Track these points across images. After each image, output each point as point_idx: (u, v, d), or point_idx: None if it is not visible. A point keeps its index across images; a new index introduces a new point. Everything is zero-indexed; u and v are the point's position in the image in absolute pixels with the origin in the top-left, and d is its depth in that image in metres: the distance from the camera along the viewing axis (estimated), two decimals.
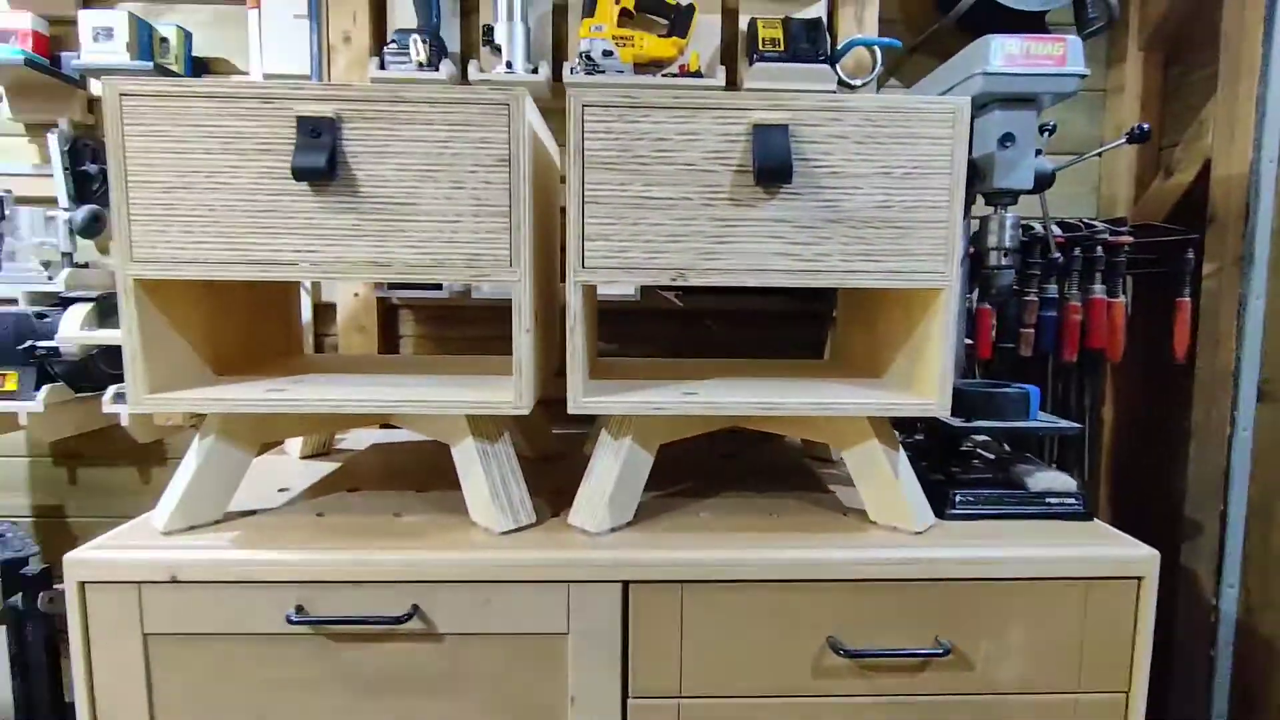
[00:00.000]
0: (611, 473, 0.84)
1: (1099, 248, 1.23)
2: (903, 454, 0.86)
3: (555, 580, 0.77)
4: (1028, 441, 1.26)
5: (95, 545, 0.78)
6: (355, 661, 0.78)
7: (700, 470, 1.09)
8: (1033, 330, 1.26)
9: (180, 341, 0.84)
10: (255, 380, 0.87)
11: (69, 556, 0.75)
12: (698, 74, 1.31)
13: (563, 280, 0.82)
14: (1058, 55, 0.86)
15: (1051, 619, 0.80)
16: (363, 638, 0.78)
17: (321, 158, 0.74)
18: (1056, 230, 1.21)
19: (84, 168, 1.36)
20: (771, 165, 0.75)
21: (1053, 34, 0.88)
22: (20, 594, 1.18)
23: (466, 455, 0.84)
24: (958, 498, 0.88)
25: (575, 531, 0.84)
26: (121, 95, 0.74)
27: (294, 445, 1.17)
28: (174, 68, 1.31)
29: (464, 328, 1.45)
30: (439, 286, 1.36)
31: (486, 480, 0.83)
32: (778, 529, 0.85)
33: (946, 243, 0.79)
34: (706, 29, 1.36)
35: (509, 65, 1.29)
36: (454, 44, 1.38)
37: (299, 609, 0.76)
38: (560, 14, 1.38)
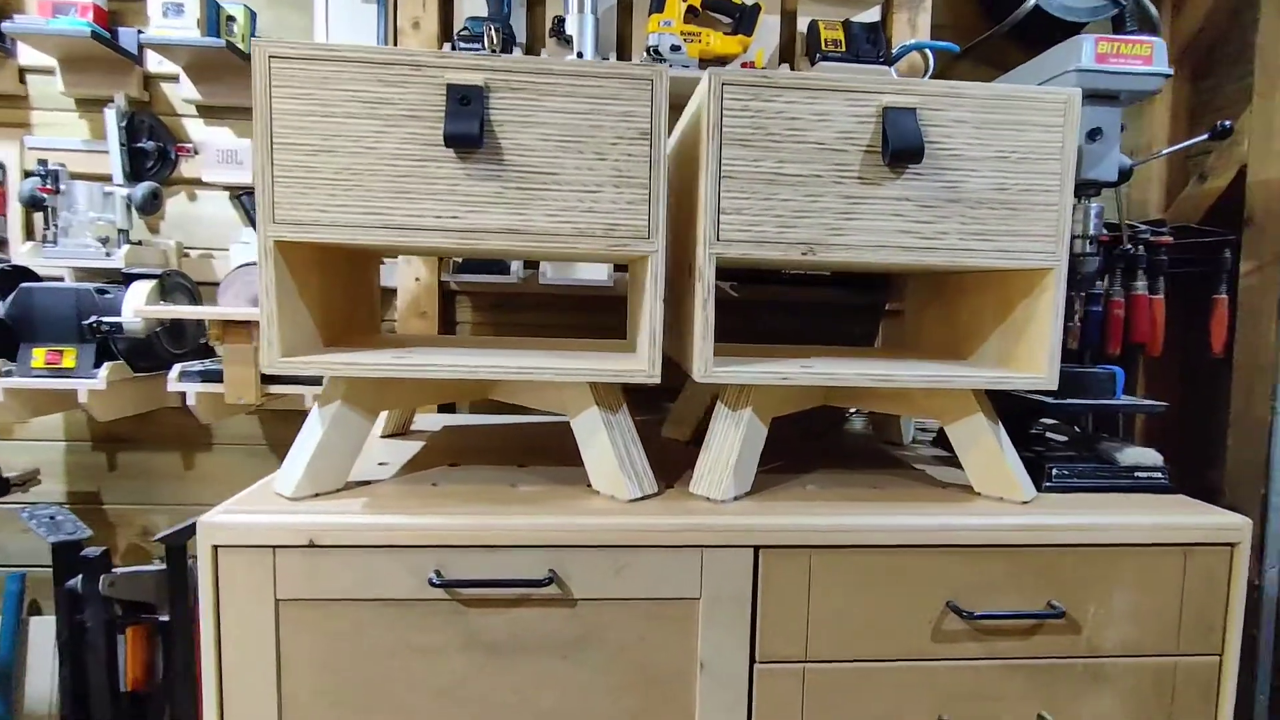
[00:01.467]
0: (734, 442, 0.86)
1: (1141, 247, 1.30)
2: (1003, 428, 0.90)
3: (689, 545, 0.79)
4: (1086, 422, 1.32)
5: (227, 509, 0.77)
6: (487, 626, 0.78)
7: (789, 450, 1.12)
8: (1079, 324, 1.32)
9: (303, 310, 0.84)
10: (373, 350, 0.87)
11: (204, 519, 0.74)
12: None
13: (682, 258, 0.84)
14: (1145, 55, 0.92)
15: (1154, 584, 0.84)
16: (496, 603, 0.78)
17: (474, 124, 0.75)
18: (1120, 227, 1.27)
19: (140, 144, 1.34)
20: (904, 146, 0.79)
21: (1139, 35, 0.94)
22: (79, 577, 1.15)
23: (590, 425, 0.86)
24: (1054, 471, 0.92)
25: (699, 500, 0.86)
26: (271, 58, 0.75)
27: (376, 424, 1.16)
28: (242, 46, 1.30)
29: (523, 314, 1.46)
30: (506, 270, 1.37)
31: (613, 449, 0.84)
32: (889, 499, 0.88)
33: (1057, 225, 0.84)
34: (767, 28, 1.41)
35: (579, 56, 1.31)
36: (520, 34, 1.39)
37: (438, 573, 0.76)
38: (625, 9, 1.41)
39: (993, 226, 0.83)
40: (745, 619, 0.80)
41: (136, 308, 1.14)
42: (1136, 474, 0.93)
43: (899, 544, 0.81)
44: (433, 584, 0.75)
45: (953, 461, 1.06)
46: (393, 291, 1.39)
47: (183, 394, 1.18)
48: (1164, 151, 1.14)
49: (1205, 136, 0.98)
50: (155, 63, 1.35)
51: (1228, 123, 0.95)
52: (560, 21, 1.33)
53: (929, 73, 1.39)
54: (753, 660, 0.81)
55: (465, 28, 1.31)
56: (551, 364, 0.82)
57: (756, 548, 0.80)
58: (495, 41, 1.29)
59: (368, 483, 0.88)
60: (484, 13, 1.34)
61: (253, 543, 0.75)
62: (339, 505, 0.80)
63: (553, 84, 0.77)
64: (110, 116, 1.29)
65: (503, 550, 0.77)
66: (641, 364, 0.81)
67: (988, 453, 0.89)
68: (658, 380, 0.82)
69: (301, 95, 0.75)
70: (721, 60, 1.37)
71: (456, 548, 0.77)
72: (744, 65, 1.36)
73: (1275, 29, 1.23)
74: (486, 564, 0.77)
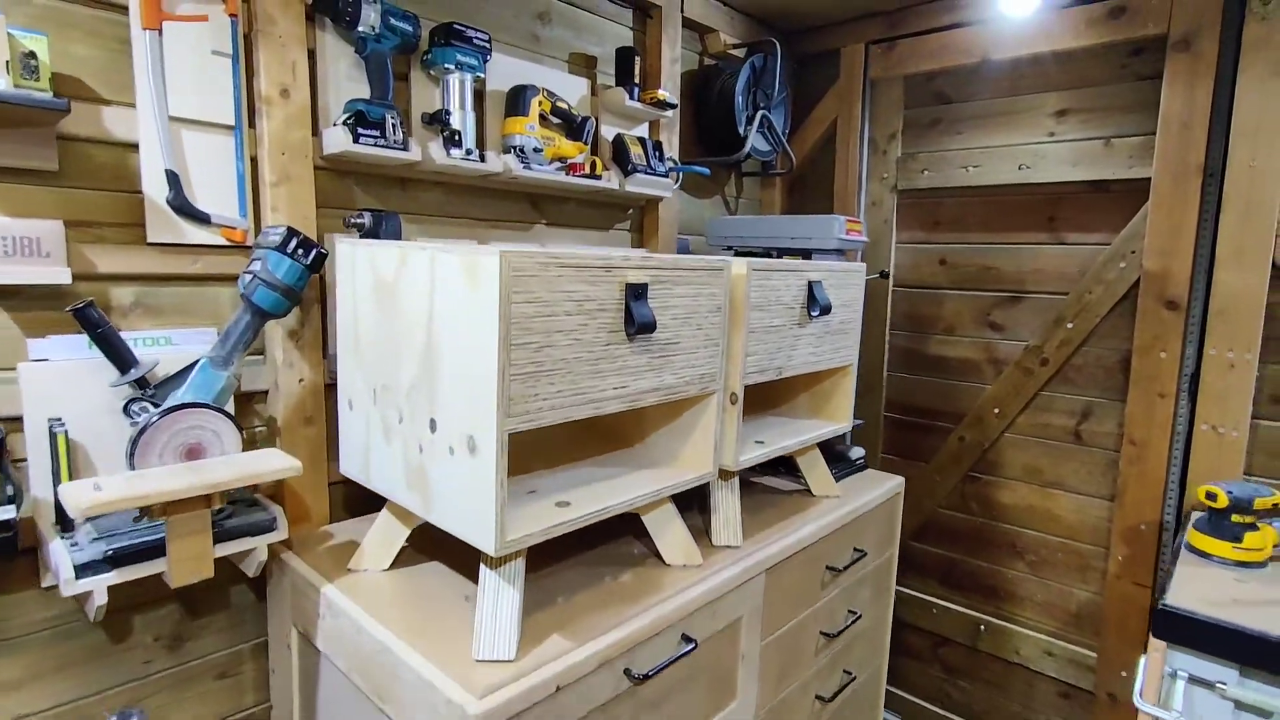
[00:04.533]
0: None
1: None
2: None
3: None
4: None
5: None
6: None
7: None
8: None
9: None
10: (521, 503, 0.95)
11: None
12: (595, 175, 1.62)
13: None
14: (859, 230, 1.62)
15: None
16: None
17: (651, 313, 0.94)
18: None
19: None
20: (826, 304, 1.29)
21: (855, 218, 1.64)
22: None
23: (664, 516, 1.13)
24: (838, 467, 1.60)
25: (721, 549, 1.23)
26: (513, 270, 0.78)
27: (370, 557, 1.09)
28: (43, 90, 0.92)
29: None
30: None
31: (684, 529, 1.14)
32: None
33: (855, 337, 1.48)
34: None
35: (469, 152, 1.36)
36: None
37: (626, 671, 0.96)
38: (475, 101, 1.47)
39: (838, 344, 1.42)
40: None
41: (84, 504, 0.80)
42: (857, 461, 1.68)
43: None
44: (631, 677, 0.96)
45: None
46: (254, 396, 1.20)
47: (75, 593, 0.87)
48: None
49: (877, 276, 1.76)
50: None
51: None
52: (445, 116, 1.34)
53: (678, 185, 1.89)
54: None
55: (355, 112, 1.21)
56: (646, 488, 1.06)
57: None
58: (399, 133, 1.24)
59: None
60: (361, 93, 1.25)
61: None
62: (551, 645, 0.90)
63: (682, 276, 1.01)
64: None
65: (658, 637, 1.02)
66: (706, 467, 1.13)
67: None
68: (714, 478, 1.15)
69: (533, 299, 0.81)
70: (563, 161, 1.59)
71: (640, 645, 0.98)
72: (574, 168, 1.61)
73: (844, 174, 2.13)
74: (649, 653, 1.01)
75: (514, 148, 1.46)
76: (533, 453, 1.17)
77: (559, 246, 1.51)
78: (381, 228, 1.27)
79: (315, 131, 1.22)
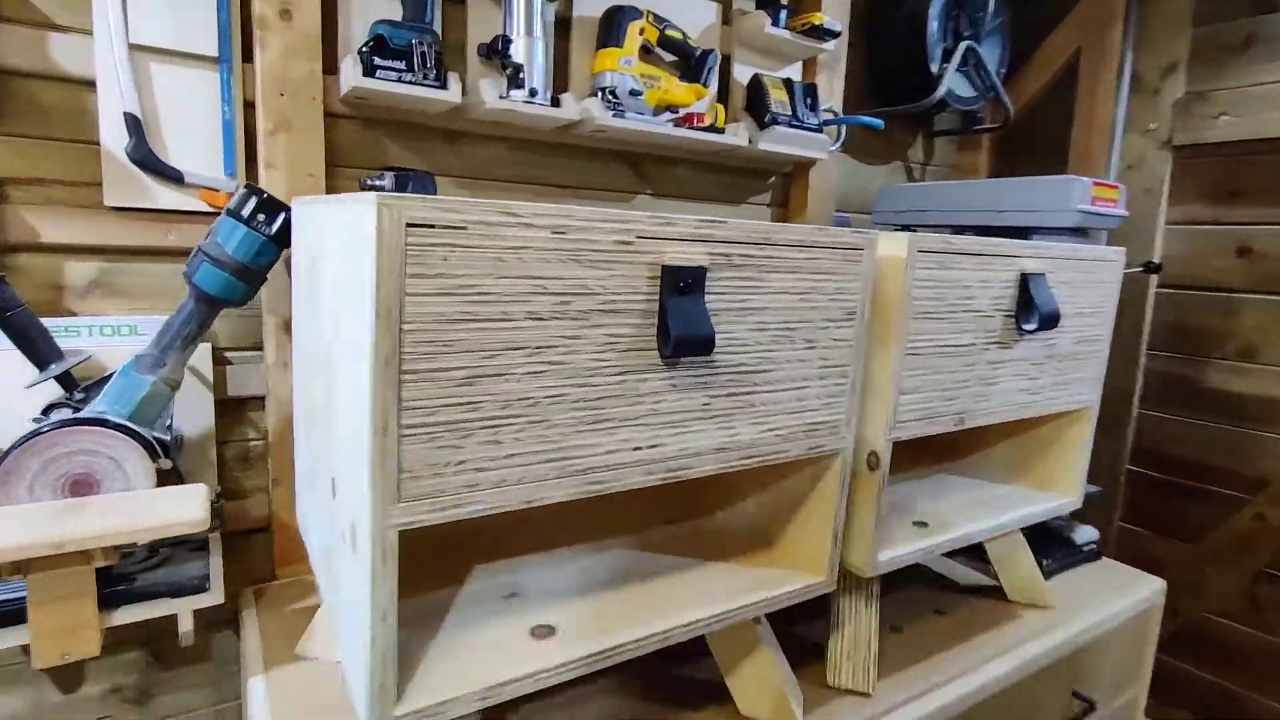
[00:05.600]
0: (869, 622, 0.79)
1: None
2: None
3: None
4: None
5: None
6: None
7: None
8: None
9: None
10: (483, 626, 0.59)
11: None
12: (715, 128, 1.21)
13: None
14: (1115, 199, 1.06)
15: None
16: None
17: (703, 323, 0.53)
18: None
19: None
20: (1050, 311, 0.78)
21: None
22: None
23: (744, 641, 0.71)
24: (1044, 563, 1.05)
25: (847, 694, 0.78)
26: (409, 228, 0.42)
27: None
28: None
29: None
30: None
31: (778, 662, 0.71)
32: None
33: (1099, 369, 0.93)
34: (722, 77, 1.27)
35: (533, 93, 1.02)
36: None
37: None
38: (559, 29, 1.13)
39: (1069, 376, 0.89)
40: None
41: None
42: (1085, 549, 1.12)
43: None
44: None
45: None
46: (248, 402, 0.96)
47: None
48: None
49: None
50: None
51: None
52: (502, 43, 1.01)
53: (839, 143, 1.41)
54: None
55: (374, 37, 0.91)
56: (706, 608, 0.65)
57: None
58: (428, 62, 0.93)
59: None
60: (393, 13, 0.95)
61: None
62: None
63: (774, 258, 0.58)
64: None
65: None
66: (819, 571, 0.70)
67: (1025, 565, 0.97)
68: (832, 588, 0.71)
69: (458, 289, 0.44)
70: (673, 109, 1.20)
71: None
72: (689, 119, 1.21)
73: (1086, 125, 1.52)
74: None
75: (603, 89, 1.10)
76: (538, 515, 0.80)
77: None
78: (407, 191, 0.97)
79: (333, 68, 0.95)
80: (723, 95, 1.29)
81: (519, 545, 0.73)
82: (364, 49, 0.91)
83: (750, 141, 1.25)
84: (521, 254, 0.46)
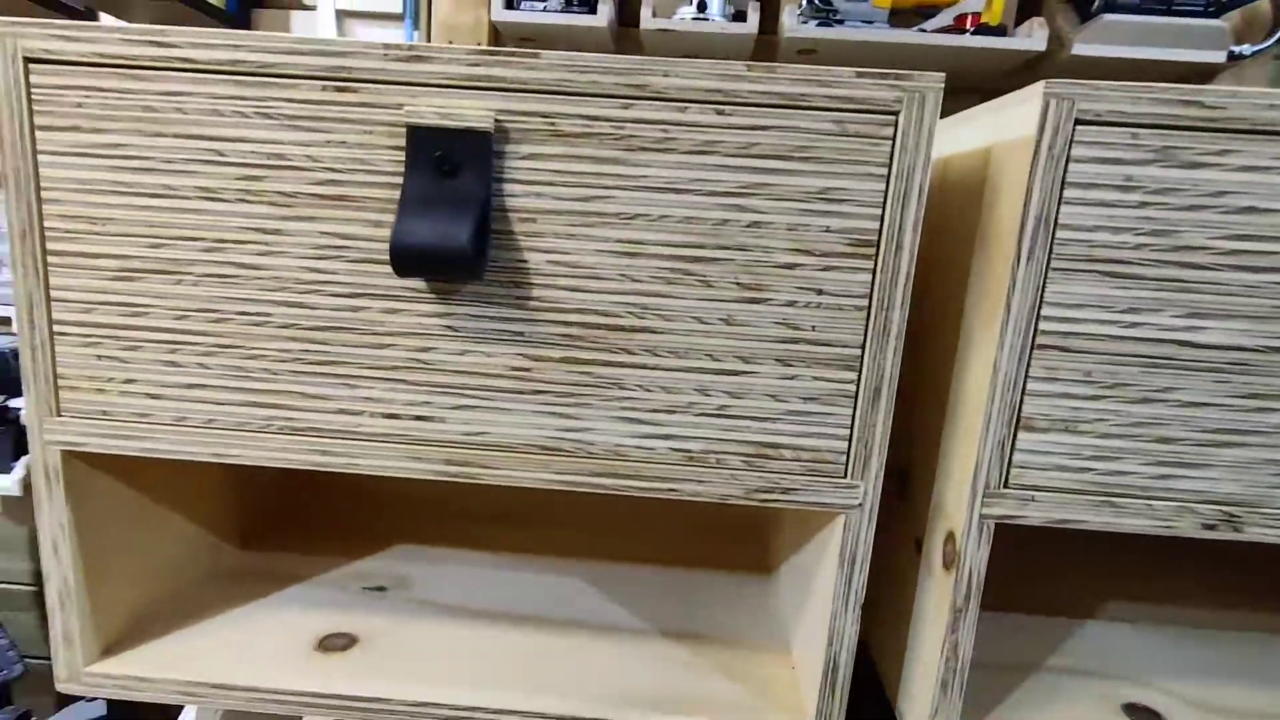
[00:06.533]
0: None
1: None
2: None
3: None
4: None
5: None
6: None
7: None
8: None
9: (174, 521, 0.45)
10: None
11: None
12: (993, 29, 0.83)
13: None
14: None
15: None
16: None
17: (461, 224, 0.32)
18: None
19: None
20: None
21: None
22: None
23: None
24: None
25: None
26: (29, 65, 0.33)
27: None
28: None
29: None
30: None
31: None
32: None
33: None
34: None
35: (702, 8, 0.84)
36: None
37: None
38: None
39: None
40: None
41: None
42: None
43: None
44: None
45: None
46: None
47: None
48: None
49: None
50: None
51: None
52: None
53: (1276, 37, 0.84)
54: None
55: None
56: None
57: None
58: None
59: None
60: None
61: None
62: None
63: (656, 124, 0.32)
64: None
65: None
66: None
67: None
68: None
69: (100, 149, 0.34)
70: (926, 12, 0.87)
71: None
72: (960, 20, 0.85)
73: None
74: None
75: None
76: (521, 504, 0.62)
77: None
78: None
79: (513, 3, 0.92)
80: None
81: (479, 536, 0.59)
82: None
83: (1060, 44, 0.83)
84: (181, 102, 0.33)
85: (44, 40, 0.33)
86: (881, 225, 0.33)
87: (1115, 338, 0.33)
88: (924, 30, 0.86)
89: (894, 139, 0.32)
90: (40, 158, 0.34)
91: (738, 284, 0.34)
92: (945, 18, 0.88)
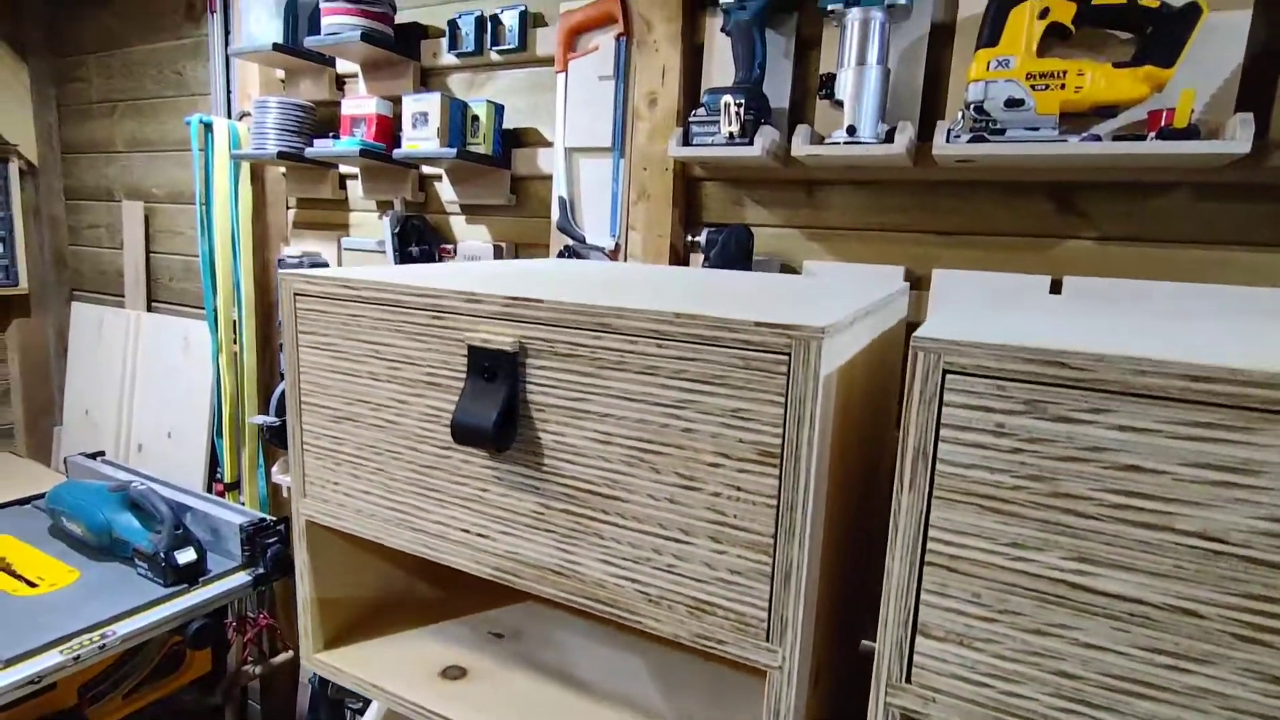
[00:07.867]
0: None
1: None
2: None
3: None
4: None
5: None
6: None
7: None
8: None
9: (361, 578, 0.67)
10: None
11: None
12: (1187, 132, 0.73)
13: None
14: None
15: None
16: None
17: (489, 413, 0.47)
18: None
19: (410, 248, 1.35)
20: None
21: None
22: None
23: None
24: None
25: None
26: (296, 295, 0.57)
27: None
28: (480, 147, 1.20)
29: None
30: None
31: None
32: None
33: None
34: (1211, 48, 0.77)
35: (851, 131, 0.89)
36: (783, 96, 1.01)
37: None
38: (941, 38, 0.91)
39: None
40: None
41: None
42: None
43: None
44: None
45: None
46: None
47: None
48: None
49: None
50: (427, 168, 1.35)
51: None
52: (829, 80, 0.92)
53: None
54: None
55: (703, 103, 0.99)
56: None
57: None
58: (733, 120, 0.95)
59: None
60: (728, 80, 1.00)
61: None
62: None
63: (616, 351, 0.44)
64: (385, 223, 1.33)
65: None
66: None
67: None
68: None
69: (325, 344, 0.56)
70: (1109, 110, 0.80)
71: None
72: (1156, 116, 0.76)
73: None
74: None
75: (968, 106, 0.85)
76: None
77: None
78: (716, 247, 1.01)
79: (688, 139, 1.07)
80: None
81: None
82: (691, 118, 1.00)
83: (1255, 148, 0.71)
84: (359, 320, 0.54)
85: (302, 283, 0.56)
86: (783, 441, 0.40)
87: (1002, 567, 0.35)
88: (1096, 138, 0.78)
89: (787, 374, 0.39)
90: (301, 350, 0.58)
91: (678, 474, 0.43)
92: (1130, 116, 0.79)
